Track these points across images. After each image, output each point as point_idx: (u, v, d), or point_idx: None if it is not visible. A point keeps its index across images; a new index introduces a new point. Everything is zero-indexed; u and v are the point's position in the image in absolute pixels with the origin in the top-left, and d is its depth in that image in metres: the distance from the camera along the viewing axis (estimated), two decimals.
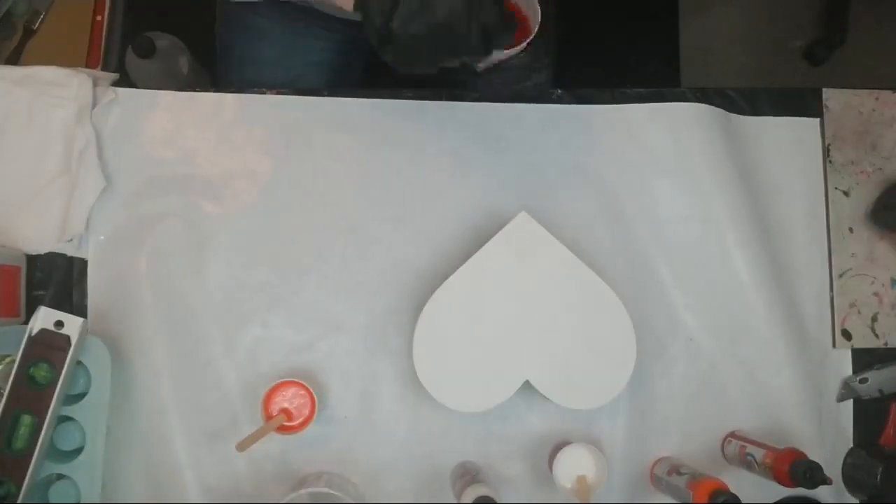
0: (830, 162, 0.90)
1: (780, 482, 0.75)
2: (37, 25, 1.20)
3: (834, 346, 0.88)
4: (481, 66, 0.72)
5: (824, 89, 0.91)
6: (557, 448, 0.80)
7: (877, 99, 0.92)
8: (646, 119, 0.88)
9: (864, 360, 0.89)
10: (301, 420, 0.77)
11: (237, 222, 0.85)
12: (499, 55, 0.70)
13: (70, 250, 0.83)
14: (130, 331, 0.82)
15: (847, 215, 0.90)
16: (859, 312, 0.89)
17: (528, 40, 0.74)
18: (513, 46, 0.74)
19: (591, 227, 0.86)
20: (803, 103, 0.92)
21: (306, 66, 0.99)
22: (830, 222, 0.90)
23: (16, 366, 0.73)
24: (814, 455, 0.75)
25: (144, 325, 0.82)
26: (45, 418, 0.73)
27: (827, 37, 1.70)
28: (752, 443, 0.80)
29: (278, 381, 0.77)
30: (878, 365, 0.88)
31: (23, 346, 0.73)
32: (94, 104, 0.84)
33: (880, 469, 0.83)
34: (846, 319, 0.89)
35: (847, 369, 0.89)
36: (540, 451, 0.83)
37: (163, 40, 1.20)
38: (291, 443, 0.81)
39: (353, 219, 0.85)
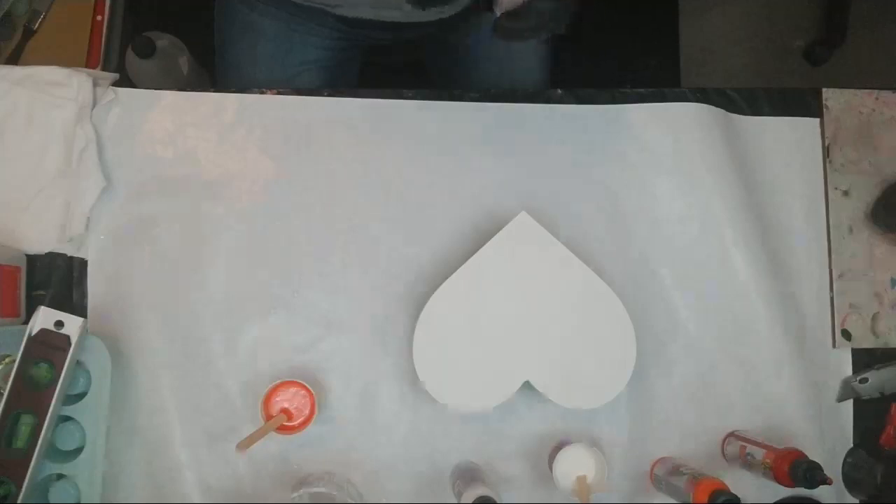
0: (830, 162, 0.90)
1: (780, 482, 0.75)
2: (37, 25, 1.20)
3: (834, 346, 0.88)
4: (500, 9, 0.70)
5: (824, 89, 0.91)
6: (557, 448, 0.80)
7: (877, 99, 0.92)
8: (646, 119, 0.88)
9: (864, 360, 0.89)
10: (301, 420, 0.77)
11: (237, 222, 0.84)
12: None
13: (70, 250, 0.83)
14: (130, 331, 0.82)
15: (847, 215, 0.90)
16: (859, 312, 0.89)
17: None
18: None
19: (591, 227, 0.86)
20: (803, 103, 0.92)
21: (304, 63, 0.99)
22: (830, 222, 0.90)
23: (16, 366, 0.73)
24: (814, 455, 0.75)
25: (144, 325, 0.82)
26: (45, 418, 0.73)
27: (827, 37, 1.70)
28: (752, 443, 0.80)
29: (278, 381, 0.77)
30: (878, 365, 0.88)
31: (23, 346, 0.73)
32: (94, 104, 0.84)
33: (880, 469, 0.83)
34: (846, 319, 0.89)
35: (847, 369, 0.89)
36: (540, 451, 0.83)
37: (163, 40, 1.21)
38: (291, 443, 0.81)
39: (353, 219, 0.85)
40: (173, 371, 0.82)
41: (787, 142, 0.91)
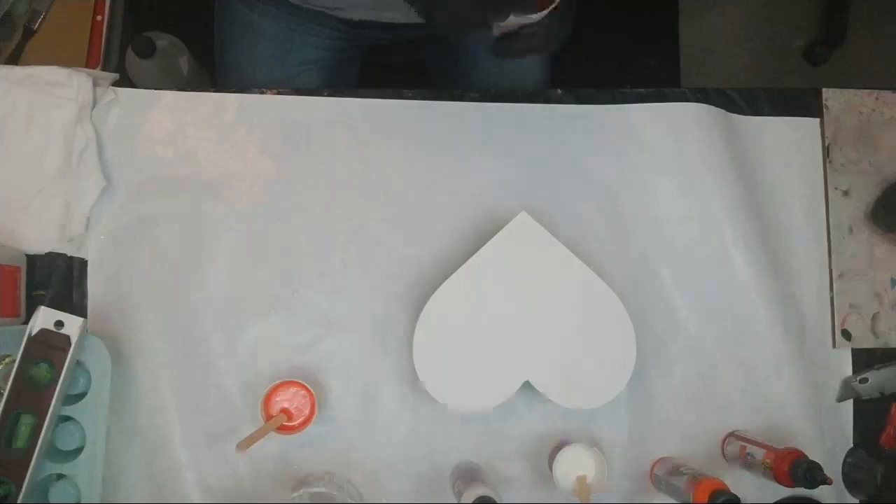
0: (830, 162, 0.90)
1: (780, 482, 0.75)
2: (37, 25, 1.20)
3: (834, 346, 0.88)
4: (497, 31, 0.70)
5: (824, 89, 0.91)
6: (557, 448, 0.80)
7: (877, 99, 0.92)
8: (646, 119, 0.88)
9: (864, 360, 0.89)
10: (301, 420, 0.77)
11: (237, 222, 0.85)
12: (520, 19, 0.68)
13: (70, 250, 0.83)
14: (130, 331, 0.82)
15: (847, 215, 0.90)
16: (859, 312, 0.89)
17: (554, 5, 0.71)
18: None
19: (591, 227, 0.87)
20: (803, 103, 0.92)
21: (304, 63, 0.99)
22: (830, 222, 0.90)
23: (16, 366, 0.73)
24: (814, 455, 0.75)
25: (144, 325, 0.82)
26: (45, 418, 0.73)
27: (827, 37, 1.70)
28: (752, 443, 0.80)
29: (278, 381, 0.77)
30: (878, 365, 0.88)
31: (23, 346, 0.73)
32: (94, 104, 0.84)
33: (880, 469, 0.83)
34: (846, 319, 0.89)
35: (847, 369, 0.89)
36: (540, 451, 0.83)
37: (163, 40, 1.21)
38: (291, 443, 0.81)
39: (353, 219, 0.85)
40: (173, 371, 0.82)
41: (787, 142, 0.91)
